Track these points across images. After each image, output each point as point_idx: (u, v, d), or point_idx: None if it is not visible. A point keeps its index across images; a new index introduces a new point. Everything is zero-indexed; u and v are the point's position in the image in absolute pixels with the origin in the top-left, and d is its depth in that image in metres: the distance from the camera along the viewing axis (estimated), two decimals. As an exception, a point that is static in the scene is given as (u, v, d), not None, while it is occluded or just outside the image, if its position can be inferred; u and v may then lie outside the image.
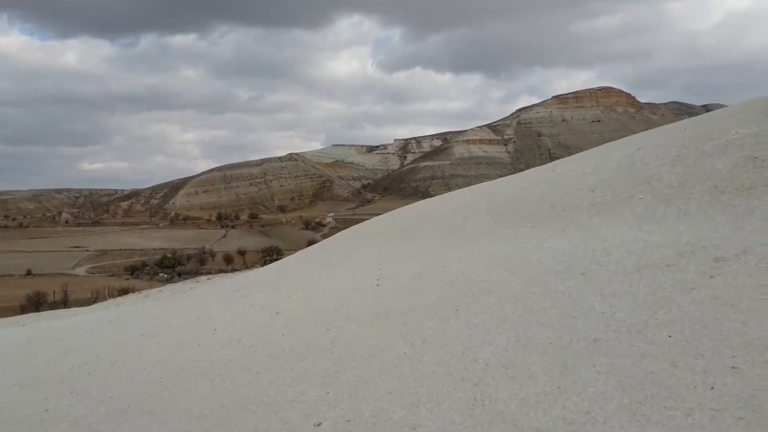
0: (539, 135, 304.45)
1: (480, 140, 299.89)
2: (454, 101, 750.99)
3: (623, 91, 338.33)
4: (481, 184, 12.41)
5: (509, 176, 12.54)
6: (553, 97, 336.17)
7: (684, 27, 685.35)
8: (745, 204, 5.28)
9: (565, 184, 7.75)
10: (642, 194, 6.54)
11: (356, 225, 11.29)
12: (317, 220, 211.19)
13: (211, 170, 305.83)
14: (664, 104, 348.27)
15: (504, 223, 7.44)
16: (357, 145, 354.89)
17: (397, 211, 11.40)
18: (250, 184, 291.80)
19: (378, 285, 6.43)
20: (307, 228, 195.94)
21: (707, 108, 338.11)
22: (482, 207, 8.30)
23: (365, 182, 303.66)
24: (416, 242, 7.90)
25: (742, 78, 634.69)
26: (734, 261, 4.20)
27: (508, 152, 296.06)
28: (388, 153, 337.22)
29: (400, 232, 8.73)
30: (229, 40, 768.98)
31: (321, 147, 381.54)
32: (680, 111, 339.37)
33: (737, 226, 4.88)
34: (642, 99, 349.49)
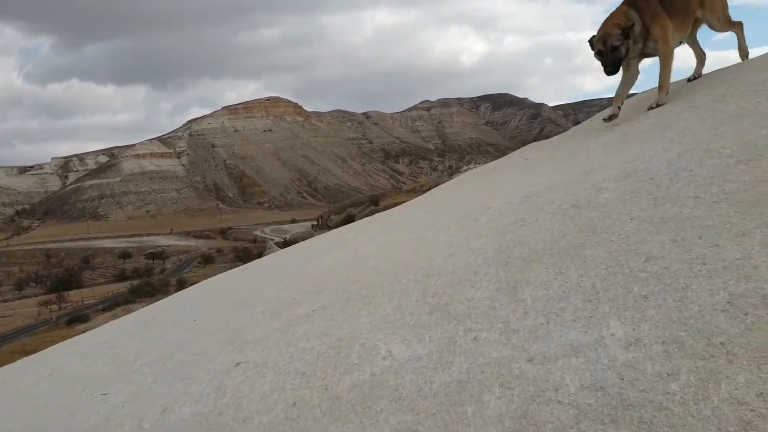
0: (213, 146, 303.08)
1: (151, 154, 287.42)
2: (120, 114, 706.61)
3: (291, 101, 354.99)
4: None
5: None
6: (224, 107, 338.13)
7: (342, 39, 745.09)
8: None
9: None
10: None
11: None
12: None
13: None
14: (329, 112, 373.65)
15: None
16: (6, 167, 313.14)
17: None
18: None
19: None
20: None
21: (367, 115, 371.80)
22: None
23: (20, 208, 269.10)
24: None
25: (393, 85, 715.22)
26: None
27: (183, 165, 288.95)
28: (46, 173, 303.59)
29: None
30: None
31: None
32: (344, 118, 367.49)
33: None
34: (308, 108, 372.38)
